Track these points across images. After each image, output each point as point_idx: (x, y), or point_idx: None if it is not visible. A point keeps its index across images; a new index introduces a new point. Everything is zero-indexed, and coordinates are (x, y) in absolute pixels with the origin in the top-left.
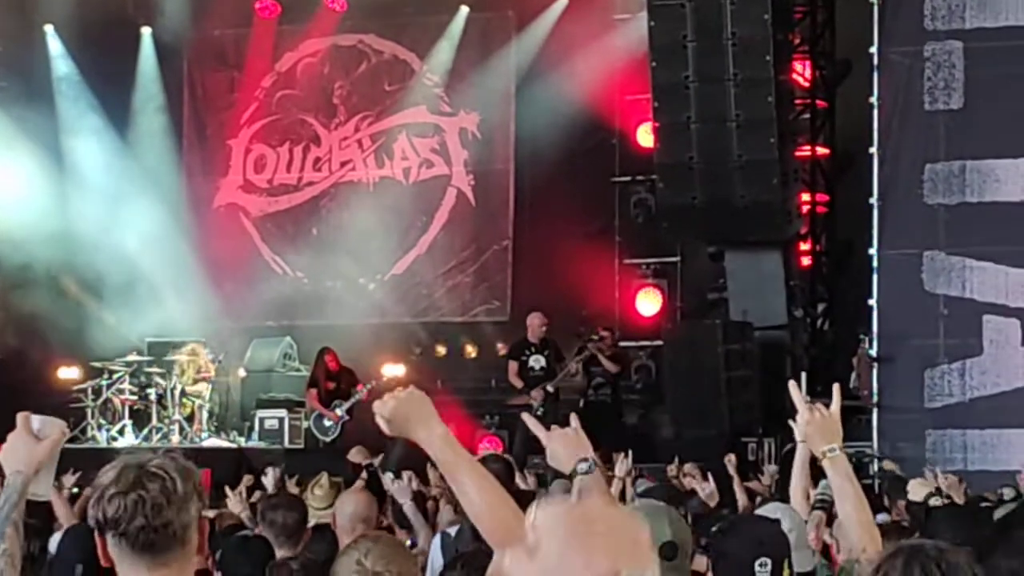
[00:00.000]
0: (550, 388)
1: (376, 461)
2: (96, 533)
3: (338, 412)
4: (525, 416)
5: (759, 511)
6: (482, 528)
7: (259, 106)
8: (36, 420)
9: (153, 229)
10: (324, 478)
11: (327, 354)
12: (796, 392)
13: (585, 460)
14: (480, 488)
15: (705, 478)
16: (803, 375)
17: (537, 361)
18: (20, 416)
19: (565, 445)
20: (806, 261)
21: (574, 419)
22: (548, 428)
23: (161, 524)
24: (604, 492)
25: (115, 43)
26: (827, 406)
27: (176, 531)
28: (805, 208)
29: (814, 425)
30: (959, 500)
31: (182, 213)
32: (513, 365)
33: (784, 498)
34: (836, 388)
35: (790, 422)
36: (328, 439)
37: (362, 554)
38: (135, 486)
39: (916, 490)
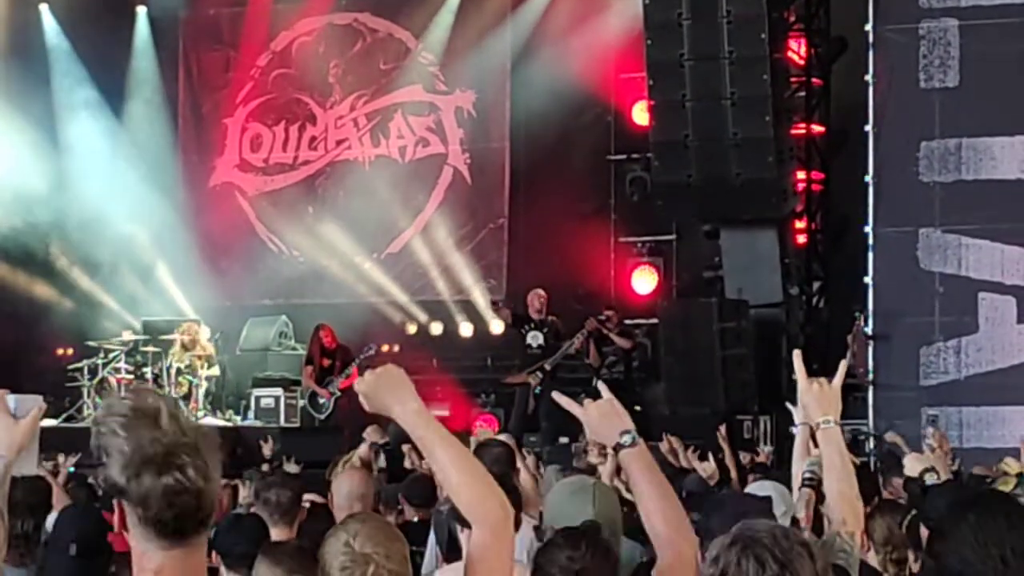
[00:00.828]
0: (547, 366)
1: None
2: (114, 498)
3: (330, 389)
4: (556, 395)
5: (749, 488)
6: (459, 503)
7: (255, 85)
8: (11, 399)
9: (148, 208)
10: (355, 457)
11: (322, 330)
12: (799, 362)
13: (628, 432)
14: (456, 463)
15: (704, 457)
16: (798, 353)
17: (535, 339)
18: None
19: (603, 417)
20: (802, 239)
21: (604, 389)
22: (536, 408)
23: (193, 510)
24: (650, 466)
25: (110, 21)
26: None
27: (204, 518)
28: (800, 186)
29: (812, 395)
30: (943, 472)
31: (178, 192)
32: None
33: (779, 477)
34: (842, 364)
35: (788, 405)
36: (322, 416)
37: (351, 535)
38: (170, 468)
39: (912, 465)
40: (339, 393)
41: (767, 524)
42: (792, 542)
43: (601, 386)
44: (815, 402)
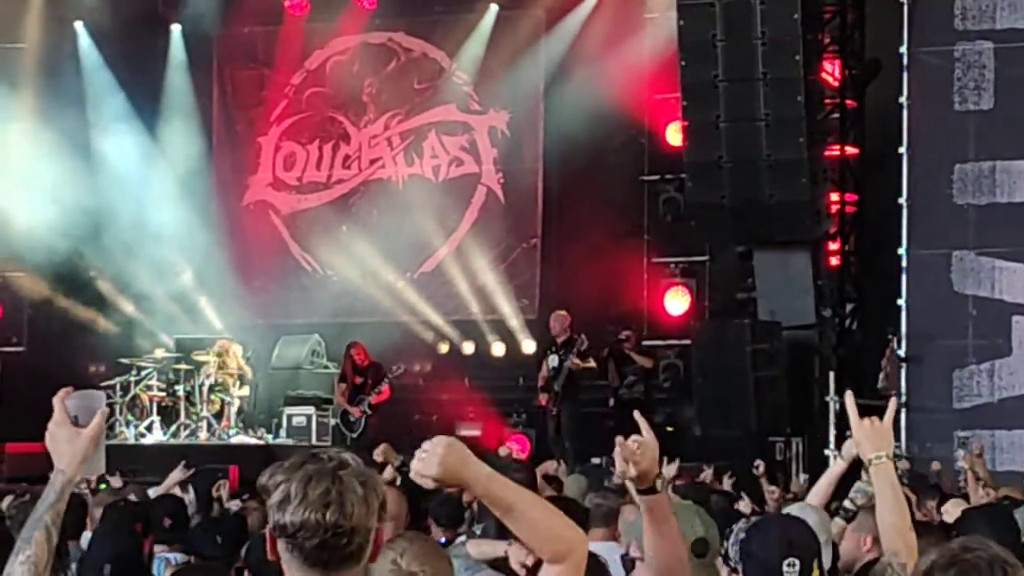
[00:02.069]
0: (556, 388)
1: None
2: (268, 531)
3: (361, 408)
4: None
5: (785, 511)
6: (544, 551)
7: (289, 103)
8: (73, 400)
9: (182, 226)
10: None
11: (354, 348)
12: (851, 402)
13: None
14: (538, 515)
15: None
16: (831, 375)
17: (551, 360)
18: (57, 400)
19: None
20: (835, 261)
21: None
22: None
23: (340, 545)
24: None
25: (145, 40)
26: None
27: (353, 551)
28: (834, 208)
29: (865, 432)
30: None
31: (211, 210)
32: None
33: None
34: (892, 402)
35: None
36: (354, 435)
37: (398, 554)
38: (322, 503)
39: (952, 512)
40: (370, 411)
41: (985, 548)
42: (1013, 570)
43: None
44: (868, 439)
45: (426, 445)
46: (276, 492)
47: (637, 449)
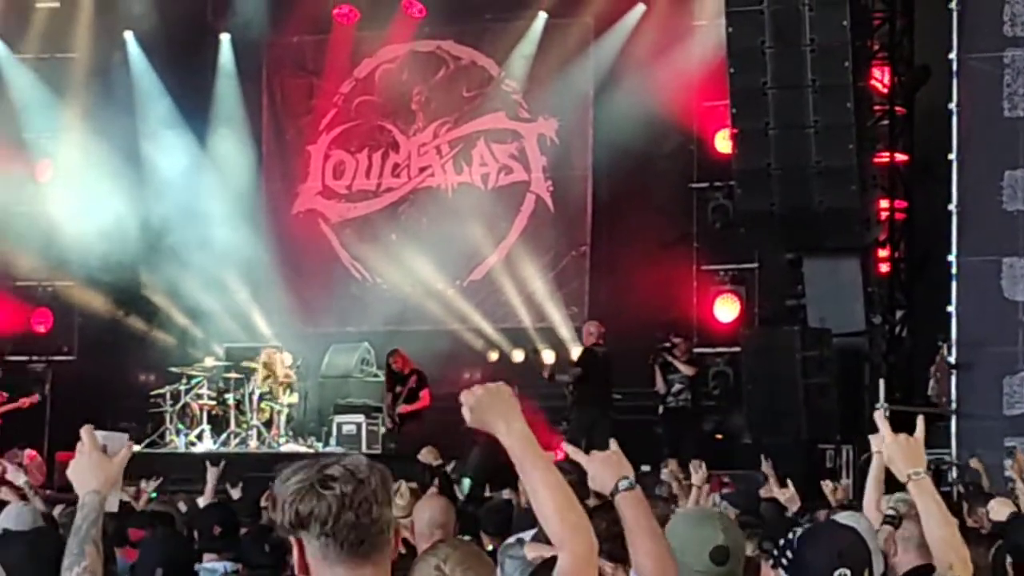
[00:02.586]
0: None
1: (442, 464)
2: (292, 537)
3: (393, 418)
4: (565, 445)
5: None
6: (548, 529)
7: (338, 112)
8: (100, 435)
9: (232, 235)
10: (403, 486)
11: (391, 357)
12: (883, 421)
13: (626, 478)
14: (550, 489)
15: (784, 484)
16: (881, 382)
17: (573, 374)
18: (85, 432)
19: (605, 467)
20: (884, 268)
21: (614, 444)
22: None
23: (372, 522)
24: (645, 511)
25: (194, 49)
26: (890, 413)
27: (383, 536)
28: (884, 214)
29: (898, 448)
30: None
31: (261, 219)
32: None
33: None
34: (920, 420)
35: (871, 438)
36: (392, 445)
37: (441, 560)
38: (333, 483)
39: (998, 510)
40: (398, 420)
41: None
42: None
43: (612, 442)
44: (902, 456)
45: (476, 386)
46: (292, 485)
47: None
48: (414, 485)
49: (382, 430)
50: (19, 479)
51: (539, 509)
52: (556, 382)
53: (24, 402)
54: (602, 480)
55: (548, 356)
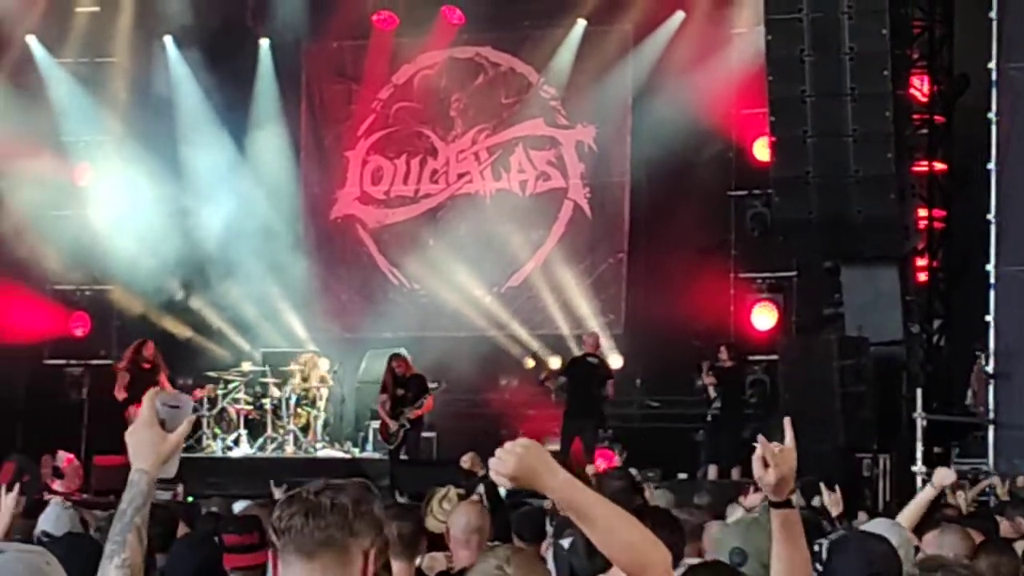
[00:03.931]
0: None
1: (486, 473)
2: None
3: (399, 421)
4: (761, 438)
5: (864, 527)
6: (621, 563)
7: (376, 118)
8: (163, 403)
9: (270, 239)
10: (452, 491)
11: (395, 360)
12: (764, 444)
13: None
14: (611, 524)
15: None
16: (919, 391)
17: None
18: (147, 399)
19: (787, 479)
20: (923, 277)
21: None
22: None
23: (319, 527)
24: (799, 525)
25: (233, 54)
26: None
27: (332, 536)
28: (922, 224)
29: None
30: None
31: (299, 224)
32: None
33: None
34: (787, 422)
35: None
36: (391, 446)
37: (503, 560)
38: (308, 501)
39: None
40: (408, 425)
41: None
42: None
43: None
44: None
45: (506, 445)
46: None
47: (779, 452)
48: (462, 491)
49: (394, 428)
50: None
51: (607, 548)
52: (548, 387)
53: (197, 394)
54: (776, 486)
55: (555, 362)
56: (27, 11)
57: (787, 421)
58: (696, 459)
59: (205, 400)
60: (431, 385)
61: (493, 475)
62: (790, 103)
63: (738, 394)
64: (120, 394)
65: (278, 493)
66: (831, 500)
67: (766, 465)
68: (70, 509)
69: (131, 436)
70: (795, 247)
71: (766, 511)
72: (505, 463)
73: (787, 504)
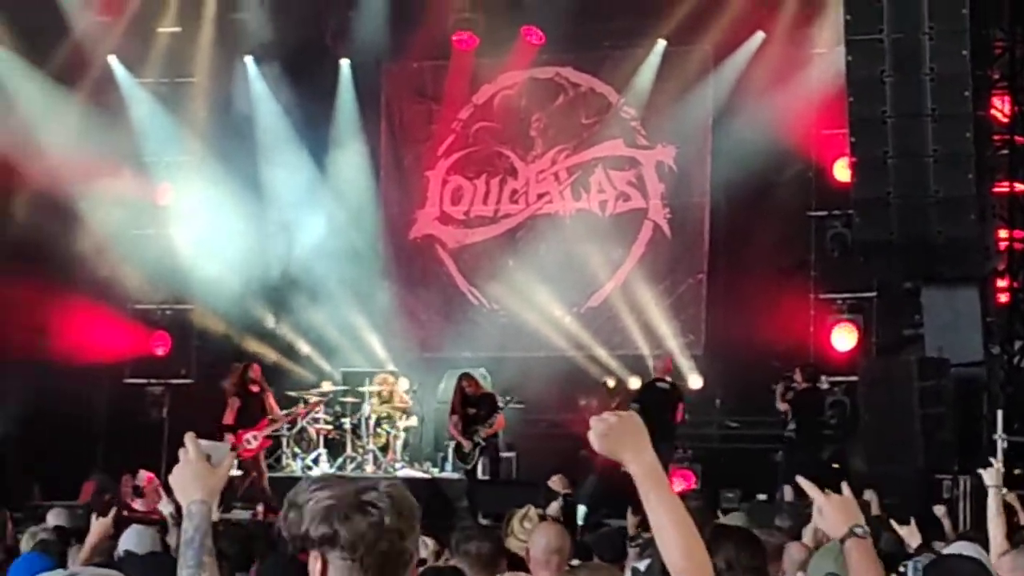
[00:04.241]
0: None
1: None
2: (310, 551)
3: (474, 439)
4: (800, 479)
5: (949, 549)
6: (669, 560)
7: (456, 138)
8: (203, 444)
9: (349, 259)
10: (532, 511)
11: (464, 380)
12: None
13: (860, 525)
14: (675, 524)
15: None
16: (999, 413)
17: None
18: (189, 439)
19: (840, 510)
20: (1003, 298)
21: (847, 489)
22: None
23: (398, 551)
24: (873, 559)
25: (313, 74)
26: (1008, 443)
27: (408, 561)
28: (1003, 245)
29: (832, 507)
30: None
31: (378, 243)
32: None
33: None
34: (844, 486)
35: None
36: (467, 466)
37: None
38: (372, 509)
39: None
40: (483, 443)
41: None
42: None
43: (844, 486)
44: (837, 513)
45: (607, 413)
46: (325, 501)
47: (829, 501)
48: (541, 511)
49: (468, 447)
50: (166, 509)
51: (663, 542)
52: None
53: (300, 411)
54: (834, 522)
55: (634, 382)
56: (108, 31)
57: (844, 486)
58: (775, 480)
59: (300, 420)
60: (500, 402)
61: (590, 434)
62: (871, 123)
63: (815, 415)
64: (229, 419)
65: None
66: (908, 532)
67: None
68: (151, 529)
69: (177, 476)
70: (875, 268)
71: None
72: (603, 420)
73: (851, 535)
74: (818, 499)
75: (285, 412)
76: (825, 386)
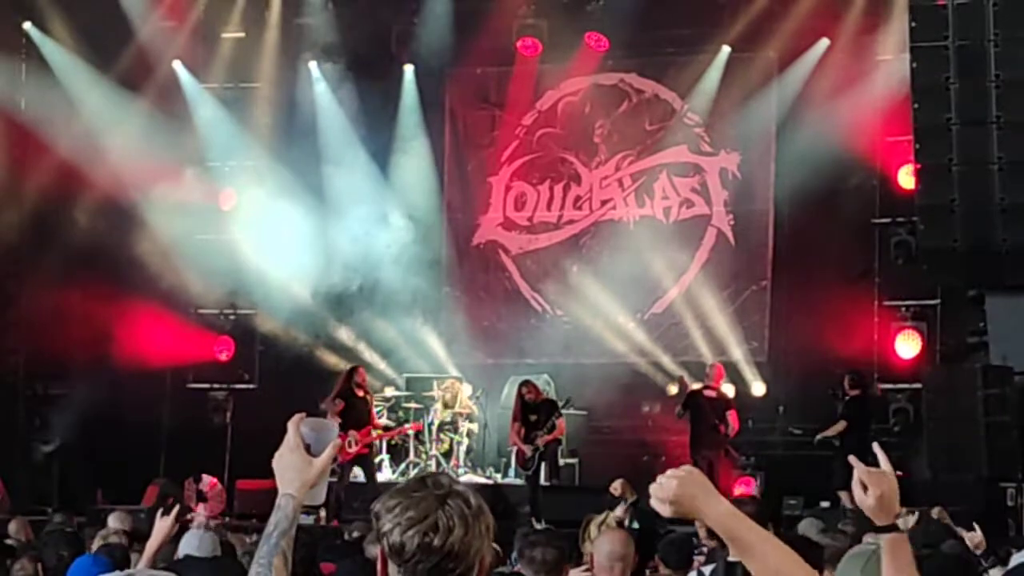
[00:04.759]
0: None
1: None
2: (380, 553)
3: (535, 444)
4: (852, 459)
5: (1015, 558)
6: None
7: (520, 144)
8: (307, 428)
9: (413, 264)
10: (610, 516)
11: (524, 387)
12: (860, 467)
13: (899, 516)
14: (787, 560)
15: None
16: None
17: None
18: (292, 424)
19: (890, 490)
20: None
21: (888, 465)
22: None
23: (448, 569)
24: (910, 559)
25: (377, 79)
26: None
27: (465, 572)
28: None
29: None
30: None
31: (442, 249)
32: None
33: None
34: (877, 447)
35: None
36: (529, 472)
37: None
38: (428, 527)
39: None
40: (542, 448)
41: None
42: None
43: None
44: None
45: (668, 472)
46: (385, 517)
47: (875, 473)
48: (619, 517)
49: (562, 463)
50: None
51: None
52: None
53: (406, 428)
54: (880, 506)
55: (728, 391)
56: (173, 37)
57: (876, 447)
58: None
59: (412, 434)
60: (560, 408)
61: (653, 501)
62: (935, 131)
63: (865, 422)
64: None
65: None
66: (972, 540)
67: (865, 488)
68: (211, 531)
69: (278, 461)
70: (939, 275)
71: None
72: (666, 488)
73: (893, 528)
74: (863, 475)
75: (384, 426)
76: (877, 393)
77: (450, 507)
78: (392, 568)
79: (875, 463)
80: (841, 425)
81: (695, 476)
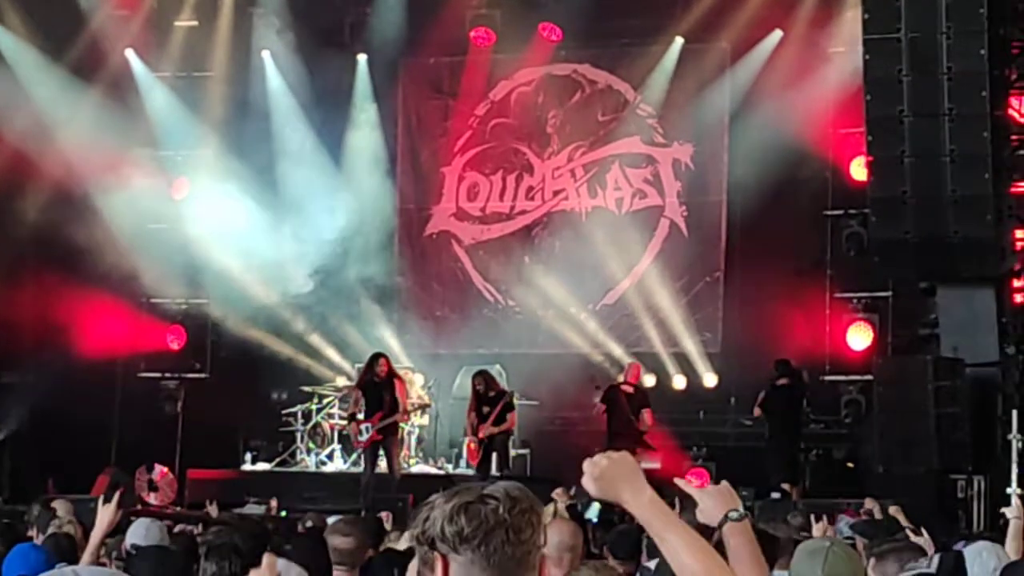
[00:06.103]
0: None
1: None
2: (434, 551)
3: (477, 438)
4: (677, 480)
5: (970, 550)
6: None
7: (473, 134)
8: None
9: (365, 254)
10: (557, 506)
11: (476, 379)
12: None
13: (735, 510)
14: (691, 550)
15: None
16: (1014, 413)
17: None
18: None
19: (716, 500)
20: (1019, 298)
21: (725, 483)
22: None
23: (519, 541)
24: (750, 540)
25: (330, 69)
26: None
27: (530, 550)
28: (1019, 245)
29: (710, 497)
30: None
31: (395, 239)
32: None
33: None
34: (726, 482)
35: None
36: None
37: None
38: (490, 500)
39: None
40: (485, 439)
41: None
42: None
43: (724, 483)
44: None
45: (598, 456)
46: (451, 503)
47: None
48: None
49: (513, 453)
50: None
51: (681, 570)
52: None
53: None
54: (710, 513)
55: (650, 380)
56: (125, 25)
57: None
58: (791, 478)
59: (300, 415)
60: (512, 399)
61: (584, 478)
62: (887, 123)
63: (791, 412)
64: (352, 409)
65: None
66: (922, 542)
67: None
68: (159, 523)
69: None
70: (891, 267)
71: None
72: (597, 465)
73: (726, 520)
74: (694, 493)
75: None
76: (806, 380)
77: (491, 492)
78: (455, 563)
79: (799, 453)
80: (756, 411)
81: (626, 460)
